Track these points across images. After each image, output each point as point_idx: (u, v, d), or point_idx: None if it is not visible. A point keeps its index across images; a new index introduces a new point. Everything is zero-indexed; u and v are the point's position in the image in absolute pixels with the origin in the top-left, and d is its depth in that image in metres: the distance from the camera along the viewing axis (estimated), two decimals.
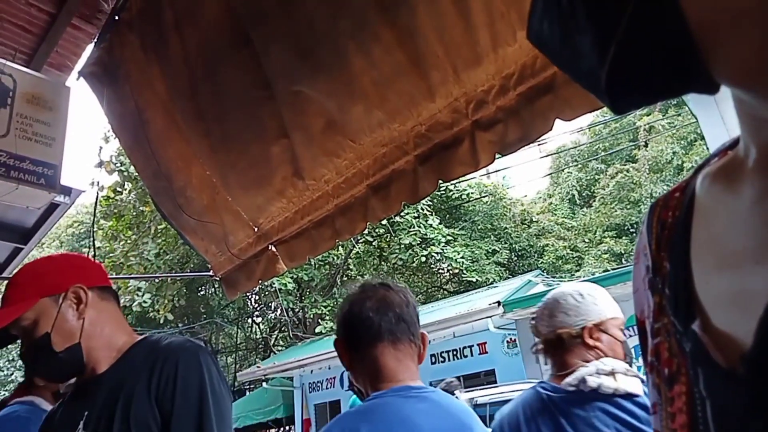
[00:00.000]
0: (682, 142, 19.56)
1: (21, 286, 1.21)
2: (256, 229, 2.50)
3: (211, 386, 1.11)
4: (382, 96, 1.78)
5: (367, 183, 2.00)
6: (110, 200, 13.87)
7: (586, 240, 20.86)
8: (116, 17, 2.39)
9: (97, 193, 10.55)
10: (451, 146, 1.73)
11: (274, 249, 2.48)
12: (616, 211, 20.82)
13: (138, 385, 1.08)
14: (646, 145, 20.20)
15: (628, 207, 20.51)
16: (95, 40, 2.57)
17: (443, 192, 19.23)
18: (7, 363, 22.75)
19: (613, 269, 13.05)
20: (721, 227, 0.40)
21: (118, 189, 13.67)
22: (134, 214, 14.25)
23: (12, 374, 22.60)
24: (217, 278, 2.91)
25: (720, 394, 0.36)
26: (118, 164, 12.86)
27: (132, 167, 11.45)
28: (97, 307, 1.23)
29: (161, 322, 14.85)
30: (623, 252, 19.11)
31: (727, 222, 0.39)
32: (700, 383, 0.38)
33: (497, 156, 1.65)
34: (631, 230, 20.33)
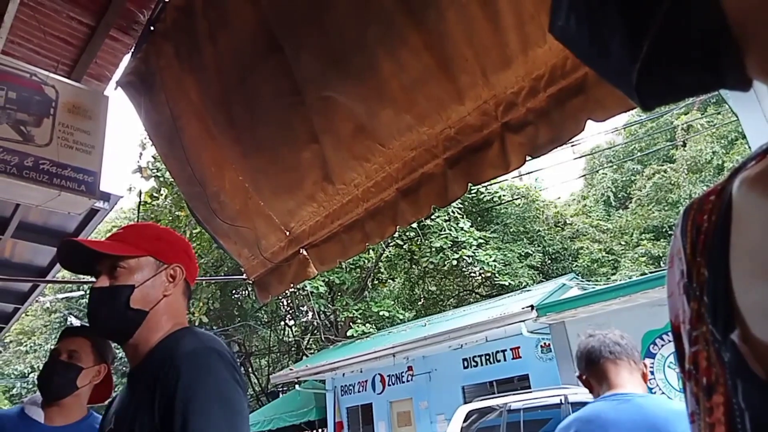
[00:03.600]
0: (722, 141, 18.96)
1: (139, 235, 1.27)
2: (287, 233, 2.53)
3: (218, 393, 1.03)
4: (411, 100, 1.78)
5: (396, 187, 2.00)
6: (147, 205, 14.24)
7: (623, 242, 20.40)
8: (152, 28, 2.47)
9: (140, 199, 10.86)
10: (481, 149, 1.72)
11: (305, 253, 2.51)
12: (653, 212, 20.30)
13: (146, 391, 1.06)
14: (684, 145, 19.65)
15: (666, 208, 19.98)
16: (132, 50, 2.66)
17: (474, 194, 19.10)
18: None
19: (650, 272, 12.73)
20: (761, 235, 0.39)
21: (155, 194, 14.04)
22: (170, 218, 14.61)
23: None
24: (250, 281, 2.96)
25: (759, 407, 0.35)
26: (155, 170, 13.21)
27: (168, 173, 11.74)
28: (175, 294, 1.26)
29: (196, 324, 15.16)
30: (661, 255, 18.60)
31: (766, 232, 0.38)
32: (738, 395, 0.37)
33: (528, 158, 1.63)
34: (670, 232, 19.76)
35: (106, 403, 1.38)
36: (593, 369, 1.74)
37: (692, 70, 0.32)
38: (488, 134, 1.69)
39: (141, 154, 13.00)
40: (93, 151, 2.45)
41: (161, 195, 14.26)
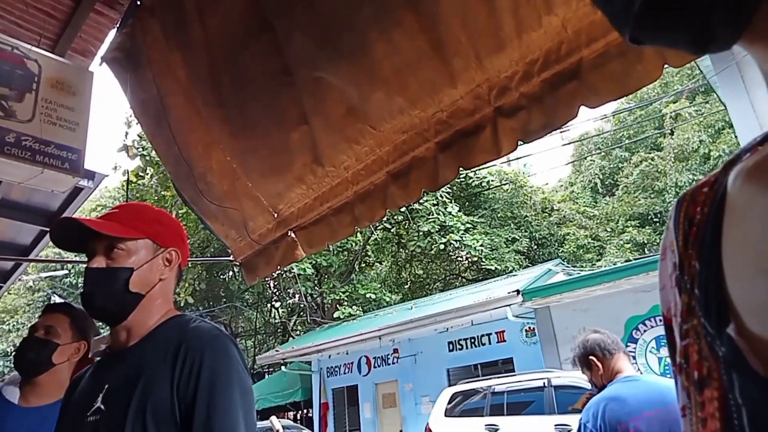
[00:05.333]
0: (710, 130, 19.11)
1: (137, 217, 1.25)
2: (275, 215, 2.50)
3: (239, 379, 1.09)
4: (403, 82, 1.76)
5: (386, 170, 1.99)
6: (132, 185, 14.07)
7: (608, 229, 20.60)
8: (138, 2, 2.40)
9: (128, 179, 10.72)
10: (473, 133, 1.70)
11: (293, 235, 2.49)
12: (639, 200, 20.49)
13: (161, 370, 1.07)
14: (672, 133, 19.78)
15: (653, 196, 20.17)
16: (117, 25, 2.59)
17: (463, 179, 19.12)
18: None
19: (635, 259, 12.88)
20: (756, 230, 0.38)
21: (141, 174, 13.86)
22: (156, 198, 14.46)
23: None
24: (237, 263, 2.94)
25: (758, 402, 0.35)
26: (140, 149, 13.02)
27: (154, 152, 11.60)
28: (169, 278, 1.26)
29: (182, 305, 15.12)
30: (646, 242, 18.82)
31: (763, 225, 0.37)
32: (735, 389, 0.37)
33: (519, 143, 1.62)
34: (655, 220, 19.99)
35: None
36: (608, 357, 2.24)
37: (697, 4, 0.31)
38: (480, 118, 1.68)
39: (127, 132, 12.76)
40: (77, 128, 2.40)
41: (147, 174, 14.09)
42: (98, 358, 1.29)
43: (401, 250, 19.18)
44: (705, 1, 0.31)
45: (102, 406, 1.08)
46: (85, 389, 1.18)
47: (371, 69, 1.78)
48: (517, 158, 19.65)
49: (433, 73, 1.69)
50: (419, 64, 1.70)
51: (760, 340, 0.35)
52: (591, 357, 2.27)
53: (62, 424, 1.21)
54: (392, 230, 18.46)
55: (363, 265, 19.65)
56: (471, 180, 19.42)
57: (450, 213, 17.18)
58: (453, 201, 18.05)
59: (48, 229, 3.69)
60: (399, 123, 1.86)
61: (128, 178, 12.37)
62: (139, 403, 1.03)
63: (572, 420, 6.98)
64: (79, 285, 22.24)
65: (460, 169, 1.77)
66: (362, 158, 2.04)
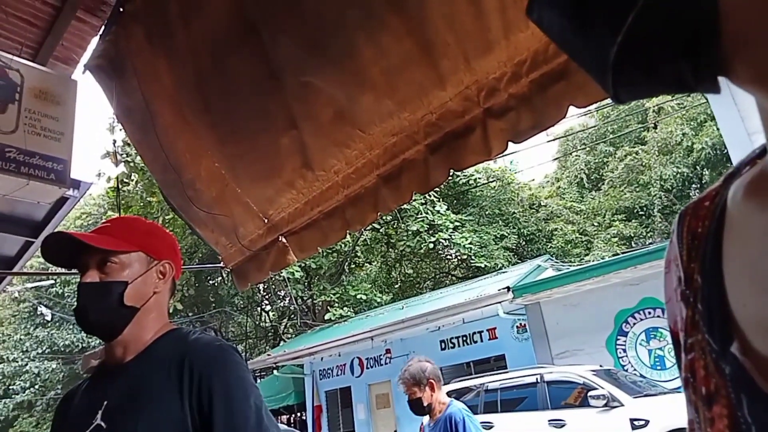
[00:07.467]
0: (692, 123, 19.32)
1: (130, 229, 1.23)
2: (266, 221, 2.49)
3: (251, 385, 1.10)
4: (391, 85, 1.76)
5: (377, 173, 1.98)
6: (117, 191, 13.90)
7: (595, 224, 20.77)
8: (121, 9, 2.37)
9: (118, 186, 10.57)
10: (463, 135, 1.71)
11: (284, 240, 2.47)
12: (625, 194, 20.68)
13: (166, 385, 1.05)
14: (655, 127, 19.97)
15: (638, 189, 20.37)
16: (100, 32, 2.56)
17: (450, 178, 19.12)
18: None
19: (622, 253, 13.00)
20: (757, 248, 0.38)
21: (125, 180, 13.71)
22: (141, 204, 14.32)
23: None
24: (228, 270, 2.92)
25: (766, 422, 0.35)
26: (124, 155, 12.87)
27: (138, 158, 11.48)
28: (164, 291, 1.25)
29: (171, 311, 14.95)
30: (633, 235, 19.01)
31: (762, 243, 0.37)
32: (744, 408, 0.36)
33: (509, 144, 1.63)
34: (641, 213, 20.19)
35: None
36: (440, 383, 2.82)
37: (670, 55, 0.30)
38: (470, 120, 1.68)
39: (114, 141, 12.59)
40: (62, 137, 2.37)
41: (132, 180, 13.93)
42: (88, 375, 1.27)
43: (390, 250, 19.19)
44: (669, 56, 0.30)
45: (103, 423, 1.06)
46: (81, 406, 1.15)
47: (359, 72, 1.78)
48: (504, 155, 19.73)
49: (422, 76, 1.69)
50: (407, 67, 1.70)
51: (764, 359, 0.35)
52: (432, 380, 2.77)
53: None
54: (381, 230, 18.45)
55: (353, 266, 19.64)
56: (459, 178, 19.47)
57: (438, 212, 17.22)
58: (441, 199, 18.09)
59: (33, 240, 3.65)
60: (388, 126, 1.86)
61: (118, 186, 12.23)
62: (149, 419, 1.02)
63: (566, 415, 7.03)
64: (66, 294, 21.96)
65: (451, 170, 1.78)
66: (352, 162, 2.03)
